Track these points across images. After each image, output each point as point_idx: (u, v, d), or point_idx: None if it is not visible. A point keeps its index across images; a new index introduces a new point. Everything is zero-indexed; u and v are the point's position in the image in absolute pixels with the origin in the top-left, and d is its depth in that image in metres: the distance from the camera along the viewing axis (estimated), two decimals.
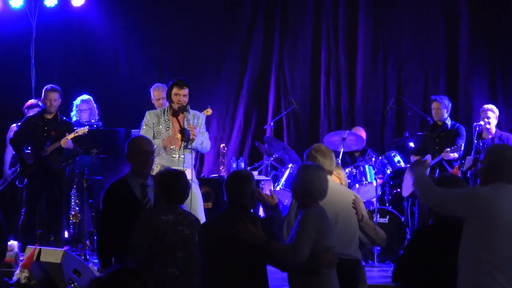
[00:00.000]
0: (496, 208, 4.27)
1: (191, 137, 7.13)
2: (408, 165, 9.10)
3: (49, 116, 8.93)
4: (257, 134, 10.83)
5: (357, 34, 10.75)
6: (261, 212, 9.70)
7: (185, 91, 7.26)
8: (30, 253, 7.03)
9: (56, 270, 6.88)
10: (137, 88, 10.60)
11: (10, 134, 9.27)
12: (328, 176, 5.07)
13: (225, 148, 10.61)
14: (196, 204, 7.13)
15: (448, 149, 8.64)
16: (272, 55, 10.98)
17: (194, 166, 7.97)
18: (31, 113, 9.21)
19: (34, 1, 10.49)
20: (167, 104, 7.42)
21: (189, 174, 7.18)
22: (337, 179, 5.64)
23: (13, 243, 7.98)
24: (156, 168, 6.78)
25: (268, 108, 10.98)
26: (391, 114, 10.15)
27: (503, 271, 4.25)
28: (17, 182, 9.49)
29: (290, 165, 9.24)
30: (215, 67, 11.10)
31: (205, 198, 8.53)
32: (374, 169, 9.15)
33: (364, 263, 6.09)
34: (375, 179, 8.99)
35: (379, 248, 8.71)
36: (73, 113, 9.68)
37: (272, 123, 10.52)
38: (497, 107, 9.33)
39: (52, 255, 6.92)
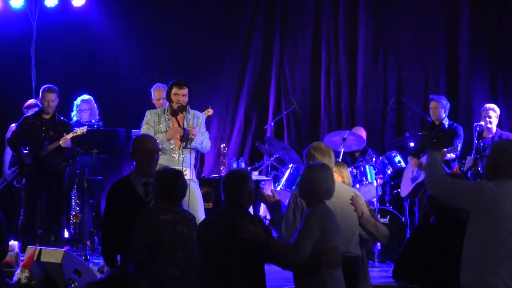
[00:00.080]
0: (499, 204, 4.28)
1: (190, 137, 7.14)
2: (406, 166, 9.19)
3: (46, 116, 8.93)
4: (257, 134, 10.83)
5: (357, 34, 10.74)
6: (262, 212, 9.72)
7: (185, 91, 7.27)
8: (30, 253, 7.03)
9: (56, 270, 6.88)
10: (138, 88, 10.60)
11: (9, 134, 9.27)
12: None
13: (226, 148, 10.61)
14: (196, 204, 7.13)
15: (445, 149, 8.62)
16: (272, 55, 10.98)
17: (195, 166, 7.98)
18: (30, 113, 9.21)
19: (35, 1, 10.49)
20: (168, 104, 7.44)
21: (189, 174, 7.19)
22: (339, 178, 5.65)
23: (13, 243, 7.98)
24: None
25: (268, 108, 10.98)
26: (392, 114, 10.15)
27: (505, 268, 4.25)
28: (15, 182, 9.49)
29: (290, 165, 9.23)
30: (215, 67, 11.10)
31: (206, 198, 8.54)
32: (374, 169, 9.15)
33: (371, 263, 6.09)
34: (375, 179, 8.99)
35: (379, 248, 8.72)
36: (73, 113, 9.68)
37: (272, 123, 10.52)
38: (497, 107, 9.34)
39: (52, 255, 6.92)
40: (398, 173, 9.21)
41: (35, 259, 6.97)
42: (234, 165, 10.21)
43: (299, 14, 10.97)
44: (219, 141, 10.87)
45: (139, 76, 11.07)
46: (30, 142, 8.87)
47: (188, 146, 7.20)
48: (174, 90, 7.29)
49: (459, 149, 8.76)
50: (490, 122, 9.10)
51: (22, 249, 7.94)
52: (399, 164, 9.26)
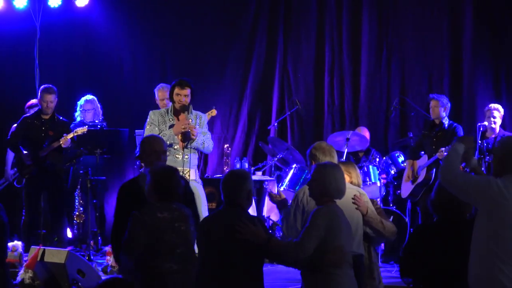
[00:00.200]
0: (506, 201, 4.27)
1: (190, 137, 7.13)
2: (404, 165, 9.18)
3: (46, 116, 8.93)
4: (261, 135, 10.82)
5: (361, 34, 10.73)
6: (265, 213, 9.72)
7: (187, 91, 7.26)
8: (34, 253, 7.05)
9: (60, 271, 6.89)
10: (141, 88, 10.61)
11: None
12: None
13: (229, 149, 10.60)
14: (200, 204, 7.13)
15: (443, 149, 8.59)
16: (276, 55, 10.98)
17: (198, 166, 7.98)
18: (31, 112, 9.20)
19: (38, 2, 10.50)
20: (171, 104, 7.44)
21: (193, 174, 7.19)
22: (347, 177, 5.62)
23: (17, 244, 7.99)
24: None
25: (272, 109, 10.98)
26: (395, 114, 10.13)
27: (511, 264, 4.24)
28: (15, 182, 9.50)
29: (294, 166, 9.23)
30: (218, 68, 11.09)
31: (209, 198, 8.53)
32: (378, 169, 9.14)
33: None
34: (379, 179, 8.98)
35: (383, 248, 8.72)
36: (77, 113, 9.68)
37: (276, 124, 10.51)
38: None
39: (56, 255, 6.93)
40: (402, 173, 9.21)
41: (38, 259, 6.98)
42: (238, 165, 10.20)
43: (303, 14, 10.96)
44: (222, 141, 10.87)
45: (142, 76, 11.07)
46: (30, 142, 8.87)
47: (189, 146, 7.19)
48: (176, 90, 7.29)
49: None
50: (494, 122, 9.08)
51: (26, 249, 7.95)
52: (402, 164, 9.25)
